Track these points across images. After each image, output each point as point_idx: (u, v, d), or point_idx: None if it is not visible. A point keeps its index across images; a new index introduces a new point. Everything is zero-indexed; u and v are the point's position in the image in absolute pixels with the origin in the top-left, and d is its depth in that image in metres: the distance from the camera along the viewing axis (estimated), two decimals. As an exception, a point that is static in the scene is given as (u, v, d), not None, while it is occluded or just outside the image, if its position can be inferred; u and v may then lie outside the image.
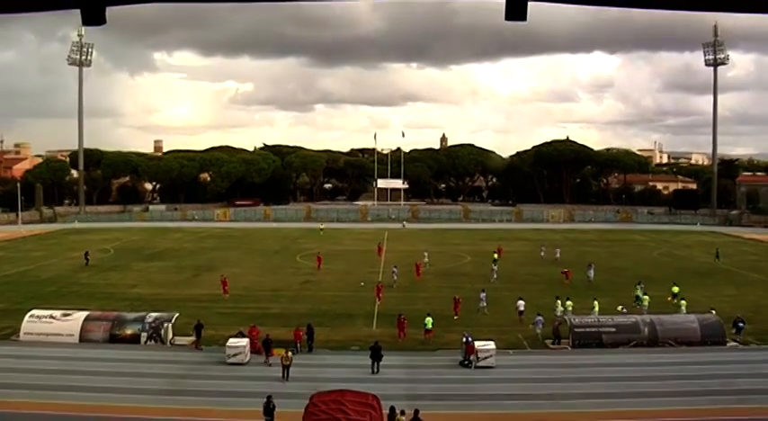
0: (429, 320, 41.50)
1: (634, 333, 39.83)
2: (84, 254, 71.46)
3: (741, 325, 41.44)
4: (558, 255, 74.35)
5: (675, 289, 52.01)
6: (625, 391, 31.64)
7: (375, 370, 34.33)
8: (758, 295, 55.64)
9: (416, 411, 25.35)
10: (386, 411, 25.16)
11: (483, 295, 48.74)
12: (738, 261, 75.41)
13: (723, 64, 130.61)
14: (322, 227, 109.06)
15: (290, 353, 33.90)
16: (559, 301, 46.25)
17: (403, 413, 25.52)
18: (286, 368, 33.33)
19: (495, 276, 61.84)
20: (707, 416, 28.42)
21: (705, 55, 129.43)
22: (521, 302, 46.80)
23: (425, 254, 71.27)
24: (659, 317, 42.19)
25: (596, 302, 46.78)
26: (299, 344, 37.77)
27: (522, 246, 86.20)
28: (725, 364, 36.51)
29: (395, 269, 60.78)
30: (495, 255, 71.16)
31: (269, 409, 26.60)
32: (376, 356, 34.45)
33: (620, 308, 45.50)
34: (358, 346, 39.17)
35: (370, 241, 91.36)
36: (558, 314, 44.74)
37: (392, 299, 52.27)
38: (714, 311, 43.67)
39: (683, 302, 47.49)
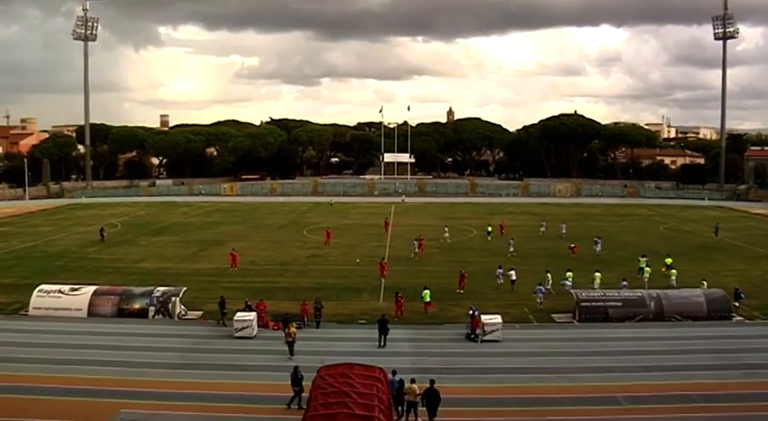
0: (427, 293, 41.81)
1: (640, 307, 39.87)
2: (99, 229, 71.50)
3: (742, 296, 42.06)
4: (563, 230, 73.80)
5: (669, 260, 52.87)
6: (631, 365, 31.72)
7: (382, 343, 34.49)
8: (764, 270, 55.61)
9: (432, 382, 25.58)
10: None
11: (500, 271, 48.41)
12: (745, 236, 75.30)
13: (733, 37, 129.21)
14: (332, 201, 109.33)
15: (293, 330, 33.47)
16: (549, 275, 46.52)
17: (413, 381, 25.84)
18: (290, 344, 32.94)
19: (512, 249, 61.89)
20: (712, 390, 28.48)
21: (714, 28, 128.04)
22: (512, 272, 48.00)
23: (446, 228, 71.35)
24: (665, 291, 42.26)
25: (597, 274, 47.47)
26: (305, 319, 37.94)
27: (529, 221, 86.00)
28: (730, 339, 36.51)
29: (415, 242, 61.78)
30: (489, 228, 72.36)
31: (297, 380, 26.62)
32: (383, 330, 34.59)
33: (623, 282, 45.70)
34: (365, 320, 39.42)
35: (376, 215, 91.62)
36: (548, 287, 45.28)
37: (398, 273, 52.45)
38: (706, 282, 44.50)
39: (674, 272, 48.90)
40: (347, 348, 33.57)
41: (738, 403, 26.99)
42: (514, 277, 47.60)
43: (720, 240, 71.09)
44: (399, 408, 25.35)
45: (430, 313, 41.16)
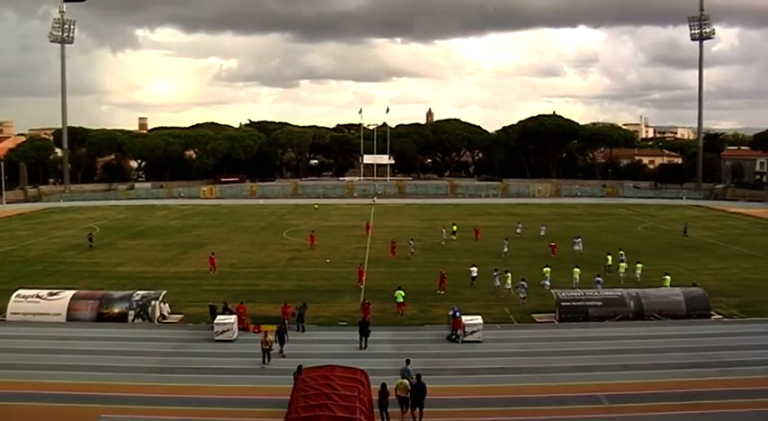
0: (400, 294, 41.84)
1: (620, 306, 40.10)
2: (87, 236, 69.56)
3: (696, 285, 43.34)
4: (543, 232, 72.82)
5: (620, 252, 55.05)
6: (611, 364, 31.91)
7: (363, 345, 34.47)
8: (742, 268, 56.22)
9: (419, 376, 25.99)
10: (375, 386, 25.30)
11: (497, 274, 47.37)
12: (723, 234, 76.00)
13: (709, 38, 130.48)
14: (316, 204, 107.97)
15: (270, 337, 32.52)
16: (509, 274, 46.74)
17: (404, 377, 26.40)
18: (266, 352, 31.96)
19: (506, 250, 62.00)
20: (691, 387, 28.68)
21: (691, 29, 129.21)
22: (474, 268, 49.44)
23: (454, 227, 72.04)
24: (644, 290, 42.50)
25: (576, 270, 48.99)
26: (287, 321, 37.79)
27: (509, 221, 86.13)
28: (709, 337, 36.81)
29: (411, 242, 63.14)
30: (455, 227, 73.04)
31: None
32: (364, 331, 34.58)
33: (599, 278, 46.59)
34: (346, 322, 39.33)
35: (356, 216, 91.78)
36: (508, 288, 45.78)
37: (379, 274, 52.60)
38: (668, 277, 45.90)
39: (639, 266, 50.78)
40: (328, 350, 33.50)
41: (716, 400, 27.20)
42: (475, 274, 48.94)
43: (699, 239, 71.64)
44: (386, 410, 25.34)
45: (402, 313, 41.24)
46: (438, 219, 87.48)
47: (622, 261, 52.38)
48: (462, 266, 53.25)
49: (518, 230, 74.68)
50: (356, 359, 30.57)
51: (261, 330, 35.86)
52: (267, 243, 70.73)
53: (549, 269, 48.54)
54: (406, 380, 26.09)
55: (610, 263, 53.54)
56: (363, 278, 50.31)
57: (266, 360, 31.86)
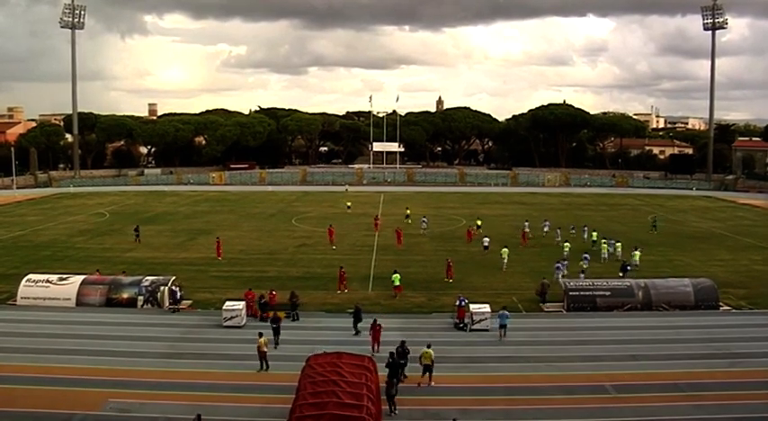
0: (396, 277, 42.42)
1: (628, 297, 40.03)
2: (134, 229, 64.59)
3: (629, 269, 47.27)
4: (573, 230, 66.31)
5: (594, 234, 60.08)
6: (619, 354, 31.91)
7: (356, 331, 34.81)
8: (751, 259, 56.02)
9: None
10: (382, 374, 25.39)
11: (563, 265, 46.55)
12: (732, 226, 75.66)
13: (722, 28, 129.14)
14: (349, 203, 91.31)
15: (264, 340, 29.92)
16: (506, 249, 50.79)
17: (429, 346, 28.01)
18: (263, 357, 29.84)
19: (559, 238, 60.75)
20: (699, 378, 28.65)
21: (704, 18, 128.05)
22: (486, 239, 56.47)
23: (527, 223, 66.47)
24: (653, 281, 42.34)
25: (604, 245, 54.73)
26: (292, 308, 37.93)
27: (518, 210, 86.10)
28: (717, 328, 36.72)
29: (424, 219, 67.31)
30: (408, 211, 76.43)
31: None
32: (358, 319, 34.97)
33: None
34: (354, 309, 39.32)
35: (365, 204, 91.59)
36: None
37: (387, 262, 52.45)
38: (638, 252, 51.21)
39: (618, 244, 55.20)
40: (336, 337, 33.54)
41: (725, 392, 27.14)
42: (487, 243, 54.45)
43: (708, 230, 71.38)
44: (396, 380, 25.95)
45: (396, 296, 41.96)
46: (447, 208, 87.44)
47: (606, 238, 56.26)
48: (471, 256, 53.26)
49: (545, 229, 67.18)
50: (364, 346, 30.63)
51: (269, 316, 35.98)
52: (276, 230, 70.79)
53: (568, 244, 52.45)
54: (431, 350, 27.39)
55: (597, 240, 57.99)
56: (344, 283, 44.83)
57: (263, 366, 29.80)
